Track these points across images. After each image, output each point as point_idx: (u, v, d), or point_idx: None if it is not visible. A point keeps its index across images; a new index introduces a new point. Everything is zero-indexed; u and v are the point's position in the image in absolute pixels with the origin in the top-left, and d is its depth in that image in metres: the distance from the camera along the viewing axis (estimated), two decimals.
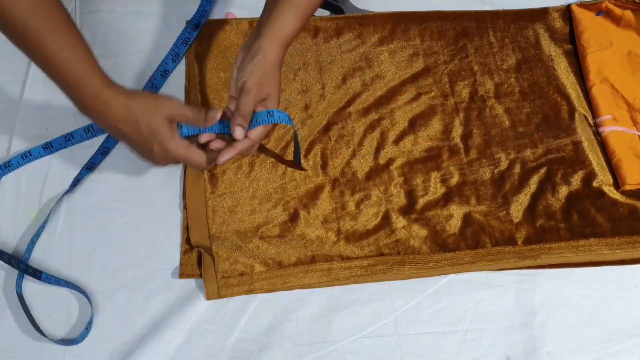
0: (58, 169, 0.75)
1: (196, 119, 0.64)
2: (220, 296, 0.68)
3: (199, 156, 0.66)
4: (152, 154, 0.64)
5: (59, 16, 0.60)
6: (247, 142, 0.66)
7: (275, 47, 0.66)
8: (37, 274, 0.67)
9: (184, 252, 0.70)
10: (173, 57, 0.81)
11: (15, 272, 0.68)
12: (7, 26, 0.59)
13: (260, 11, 0.89)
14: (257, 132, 0.66)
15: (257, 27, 0.68)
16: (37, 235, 0.70)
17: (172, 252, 0.71)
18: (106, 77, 0.63)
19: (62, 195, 0.72)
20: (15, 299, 0.67)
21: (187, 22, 0.85)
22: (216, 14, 0.88)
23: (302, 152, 0.76)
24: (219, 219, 0.72)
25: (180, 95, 0.81)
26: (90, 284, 0.68)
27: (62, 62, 0.60)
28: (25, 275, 0.68)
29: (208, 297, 0.68)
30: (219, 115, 0.65)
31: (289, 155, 0.76)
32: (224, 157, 0.65)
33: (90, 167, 0.74)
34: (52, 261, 0.70)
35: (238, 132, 0.65)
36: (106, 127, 0.65)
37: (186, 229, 0.72)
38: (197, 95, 0.80)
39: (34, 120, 0.78)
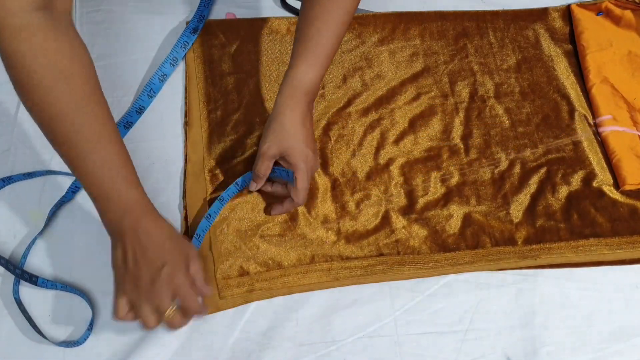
0: (58, 169, 0.75)
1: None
2: (219, 308, 0.67)
3: (196, 300, 0.60)
4: (157, 273, 0.57)
5: (105, 122, 0.59)
6: (290, 203, 0.70)
7: (293, 103, 0.68)
8: (34, 279, 0.67)
9: None
10: (171, 61, 0.81)
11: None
12: (45, 119, 0.56)
13: (260, 11, 0.90)
14: (300, 195, 0.68)
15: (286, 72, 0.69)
16: (34, 240, 0.70)
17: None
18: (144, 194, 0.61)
19: (62, 203, 0.72)
20: (14, 301, 0.67)
21: (187, 24, 0.85)
22: (216, 14, 0.88)
23: None
24: (219, 218, 0.72)
25: (180, 95, 0.81)
26: (90, 284, 0.68)
27: (102, 176, 0.58)
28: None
29: (209, 311, 0.67)
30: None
31: None
32: (275, 211, 0.71)
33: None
34: (52, 261, 0.70)
35: (252, 186, 0.71)
36: (124, 228, 0.59)
37: (186, 229, 0.72)
38: (197, 95, 0.80)
39: (33, 121, 0.77)
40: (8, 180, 0.73)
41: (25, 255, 0.69)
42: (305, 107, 0.68)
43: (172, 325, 0.58)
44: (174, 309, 0.57)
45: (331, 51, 0.69)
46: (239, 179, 0.72)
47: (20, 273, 0.67)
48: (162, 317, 0.57)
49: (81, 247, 0.70)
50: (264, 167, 0.68)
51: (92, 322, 0.66)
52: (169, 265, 0.57)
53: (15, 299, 0.66)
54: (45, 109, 0.56)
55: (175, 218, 0.73)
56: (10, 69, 0.55)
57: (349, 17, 0.69)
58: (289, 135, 0.68)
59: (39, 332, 0.65)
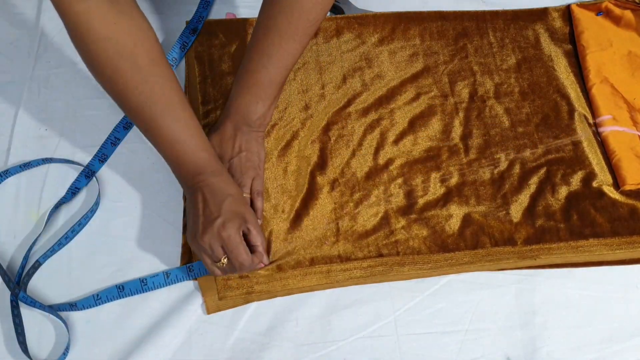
0: (58, 169, 0.75)
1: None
2: (219, 308, 0.68)
3: (248, 253, 0.64)
4: (211, 224, 0.62)
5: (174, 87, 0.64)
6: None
7: (234, 128, 0.71)
8: (17, 291, 0.66)
9: (184, 253, 0.70)
10: (170, 61, 0.81)
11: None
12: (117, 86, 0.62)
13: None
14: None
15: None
16: (35, 242, 0.70)
17: (172, 252, 0.71)
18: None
19: (61, 204, 0.72)
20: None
21: (186, 24, 0.85)
22: (216, 14, 0.88)
23: (303, 152, 0.76)
24: None
25: None
26: (90, 284, 0.68)
27: (176, 139, 0.64)
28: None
29: (208, 312, 0.67)
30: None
31: (291, 154, 0.76)
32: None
33: (88, 174, 0.74)
34: (52, 261, 0.70)
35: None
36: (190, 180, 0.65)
37: (186, 229, 0.72)
38: (197, 95, 0.80)
39: (34, 120, 0.78)
40: (5, 174, 0.73)
41: (26, 257, 0.69)
42: (239, 130, 0.71)
43: (228, 272, 0.65)
44: (225, 259, 0.63)
45: (285, 78, 0.71)
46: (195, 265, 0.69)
47: (8, 280, 0.67)
48: (219, 264, 0.63)
49: (81, 246, 0.71)
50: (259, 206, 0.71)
51: (68, 346, 0.65)
52: (221, 218, 0.62)
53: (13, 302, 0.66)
54: (115, 84, 0.62)
55: (175, 218, 0.73)
56: (80, 52, 0.61)
57: (315, 29, 0.69)
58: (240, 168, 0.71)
59: (25, 349, 0.64)
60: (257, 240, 0.65)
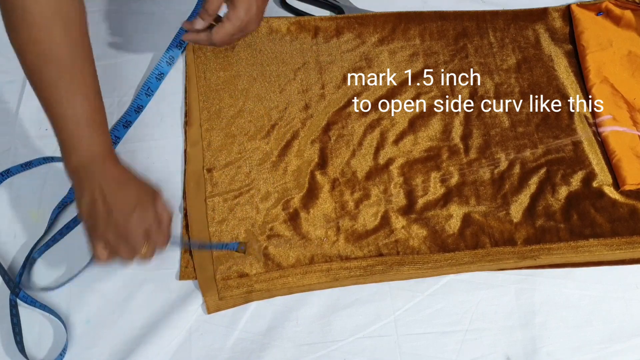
0: (58, 168, 0.75)
1: None
2: (219, 308, 0.68)
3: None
4: (130, 215, 0.59)
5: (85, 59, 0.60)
6: (206, 36, 0.70)
7: None
8: (17, 290, 0.67)
9: (184, 253, 0.70)
10: (168, 60, 0.81)
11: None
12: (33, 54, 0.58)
13: None
14: (220, 35, 0.70)
15: None
16: (37, 243, 0.70)
17: (172, 252, 0.71)
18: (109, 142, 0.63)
19: (64, 204, 0.72)
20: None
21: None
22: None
23: (303, 151, 0.76)
24: (219, 218, 0.72)
25: (180, 95, 0.81)
26: (90, 284, 0.68)
27: (76, 121, 0.60)
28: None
29: (208, 311, 0.67)
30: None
31: (291, 154, 0.76)
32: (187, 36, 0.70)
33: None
34: (51, 261, 0.70)
35: (198, 23, 0.71)
36: (89, 182, 0.60)
37: (186, 229, 0.72)
38: (197, 95, 0.80)
39: (34, 120, 0.78)
40: (7, 174, 0.73)
41: (28, 257, 0.69)
42: None
43: (146, 260, 0.61)
44: (145, 246, 0.60)
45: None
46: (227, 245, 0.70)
47: (8, 280, 0.67)
48: (138, 255, 0.60)
49: (81, 246, 0.70)
50: (215, 4, 0.69)
51: (66, 347, 0.65)
52: (140, 207, 0.59)
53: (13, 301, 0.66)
54: (37, 47, 0.57)
55: (175, 218, 0.73)
56: (3, 5, 0.56)
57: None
58: None
59: (22, 351, 0.64)
60: (168, 227, 0.63)
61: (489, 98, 0.82)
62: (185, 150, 0.77)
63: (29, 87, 0.80)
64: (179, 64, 0.83)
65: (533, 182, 0.76)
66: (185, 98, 0.80)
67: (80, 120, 0.60)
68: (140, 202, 0.60)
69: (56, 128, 0.60)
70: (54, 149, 0.76)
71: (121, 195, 0.60)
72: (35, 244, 0.69)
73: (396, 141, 0.78)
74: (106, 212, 0.58)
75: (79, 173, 0.60)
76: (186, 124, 0.78)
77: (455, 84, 0.83)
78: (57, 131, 0.60)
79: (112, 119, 0.78)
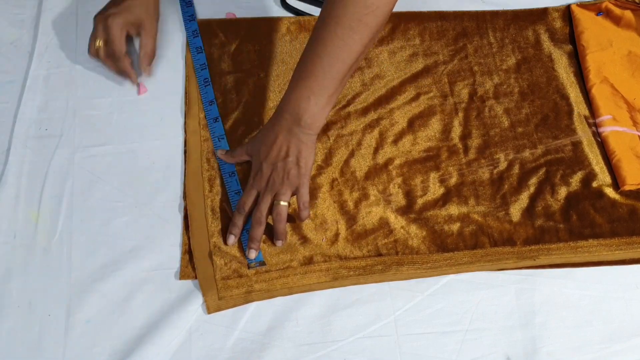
0: (58, 168, 0.75)
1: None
2: (219, 308, 0.68)
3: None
4: (106, 10, 0.78)
5: None
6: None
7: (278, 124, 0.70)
8: None
9: (184, 253, 0.70)
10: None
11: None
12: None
13: (260, 11, 0.90)
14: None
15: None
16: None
17: (172, 252, 0.71)
18: None
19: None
20: (14, 300, 0.67)
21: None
22: (216, 13, 0.88)
23: None
24: (218, 217, 0.72)
25: (180, 95, 0.81)
26: (90, 284, 0.68)
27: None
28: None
29: (208, 311, 0.67)
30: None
31: None
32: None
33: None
34: (52, 261, 0.70)
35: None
36: None
37: (186, 229, 0.72)
38: (197, 95, 0.80)
39: (33, 120, 0.78)
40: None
41: None
42: (287, 131, 0.68)
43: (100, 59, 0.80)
44: (101, 42, 0.78)
45: (343, 74, 0.66)
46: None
47: None
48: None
49: (81, 246, 0.71)
50: (234, 157, 0.74)
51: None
52: (116, 9, 0.77)
53: None
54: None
55: (175, 218, 0.73)
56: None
57: (376, 22, 0.64)
58: (254, 142, 0.72)
59: None
60: (147, 45, 0.79)
61: (488, 98, 0.82)
62: (185, 151, 0.76)
63: (29, 87, 0.80)
64: (179, 64, 0.83)
65: (532, 183, 0.76)
66: (185, 98, 0.80)
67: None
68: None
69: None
70: (53, 149, 0.76)
71: None
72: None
73: (395, 141, 0.78)
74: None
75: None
76: (186, 124, 0.78)
77: (454, 84, 0.83)
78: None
79: (112, 118, 0.78)
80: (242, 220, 0.70)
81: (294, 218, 0.72)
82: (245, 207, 0.70)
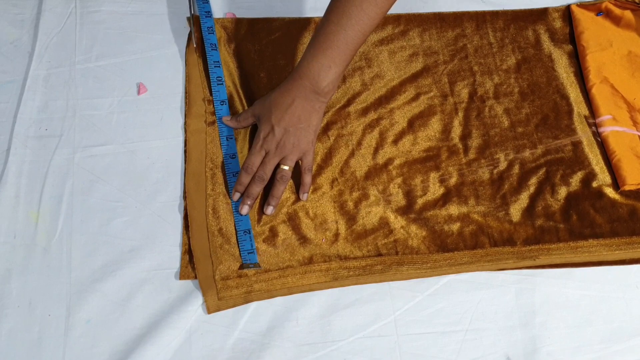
0: (58, 168, 0.75)
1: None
2: (219, 308, 0.68)
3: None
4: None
5: None
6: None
7: (292, 86, 0.72)
8: None
9: (184, 253, 0.70)
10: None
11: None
12: None
13: (260, 10, 0.90)
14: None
15: None
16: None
17: (172, 252, 0.71)
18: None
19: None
20: (14, 300, 0.67)
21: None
22: (216, 14, 0.88)
23: None
24: (219, 217, 0.72)
25: (180, 95, 0.81)
26: (90, 284, 0.68)
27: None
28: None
29: (208, 312, 0.67)
30: None
31: None
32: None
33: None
34: (52, 261, 0.70)
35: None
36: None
37: (186, 229, 0.72)
38: (197, 95, 0.80)
39: (33, 120, 0.78)
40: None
41: None
42: (303, 97, 0.70)
43: None
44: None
45: (359, 45, 0.70)
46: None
47: None
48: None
49: (81, 246, 0.71)
50: (239, 121, 0.76)
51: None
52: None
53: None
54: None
55: (175, 218, 0.73)
56: None
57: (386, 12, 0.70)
58: (264, 104, 0.72)
59: None
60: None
61: (488, 98, 0.82)
62: (185, 151, 0.76)
63: (28, 87, 0.80)
64: (179, 65, 0.83)
65: (532, 183, 0.76)
66: (186, 98, 0.80)
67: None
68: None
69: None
70: (53, 149, 0.76)
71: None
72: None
73: (395, 141, 0.78)
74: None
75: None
76: (186, 123, 0.78)
77: (454, 84, 0.83)
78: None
79: (112, 118, 0.78)
80: (249, 180, 0.72)
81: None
82: (253, 167, 0.72)
